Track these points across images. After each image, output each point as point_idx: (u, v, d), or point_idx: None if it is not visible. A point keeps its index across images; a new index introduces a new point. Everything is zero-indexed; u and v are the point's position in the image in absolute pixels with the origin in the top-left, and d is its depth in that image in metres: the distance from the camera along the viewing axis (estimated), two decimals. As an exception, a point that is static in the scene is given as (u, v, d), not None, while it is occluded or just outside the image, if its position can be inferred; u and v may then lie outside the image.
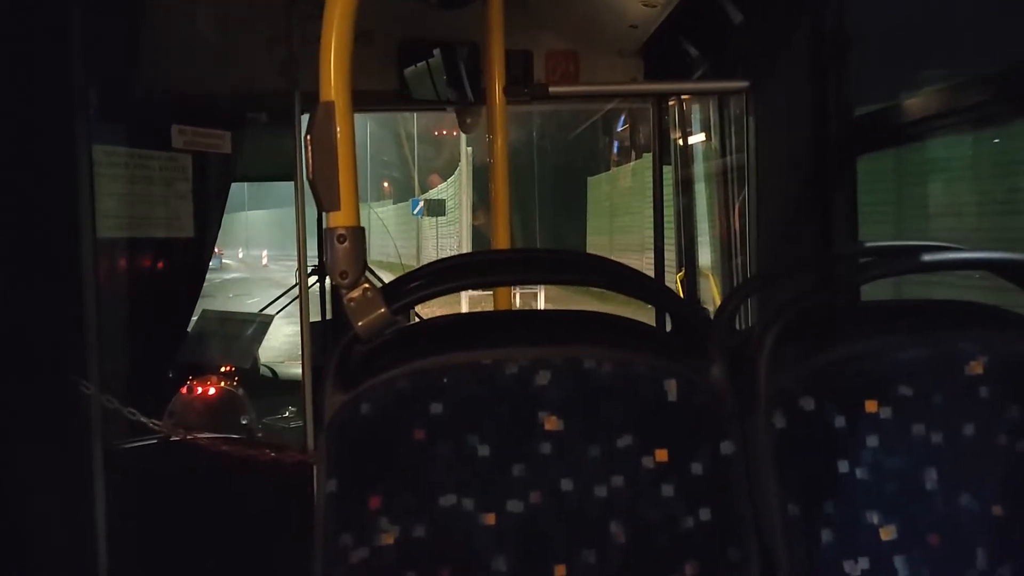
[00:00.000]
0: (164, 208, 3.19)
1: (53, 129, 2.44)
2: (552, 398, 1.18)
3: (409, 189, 27.48)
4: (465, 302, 11.32)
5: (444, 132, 23.42)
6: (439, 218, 21.96)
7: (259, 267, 28.57)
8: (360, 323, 1.20)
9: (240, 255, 33.25)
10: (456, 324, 1.38)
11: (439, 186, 23.39)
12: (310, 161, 1.27)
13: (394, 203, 28.71)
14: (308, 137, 1.26)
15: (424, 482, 1.17)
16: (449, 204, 20.79)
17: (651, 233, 3.69)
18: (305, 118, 3.04)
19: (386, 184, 30.30)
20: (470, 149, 17.50)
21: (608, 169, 18.47)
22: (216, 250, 4.44)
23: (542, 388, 1.18)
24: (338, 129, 1.25)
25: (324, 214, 1.29)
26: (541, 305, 11.70)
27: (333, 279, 1.26)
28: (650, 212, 3.58)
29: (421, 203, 22.17)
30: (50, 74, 2.39)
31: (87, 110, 2.57)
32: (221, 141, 3.31)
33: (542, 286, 12.63)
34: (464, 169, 18.05)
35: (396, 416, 1.17)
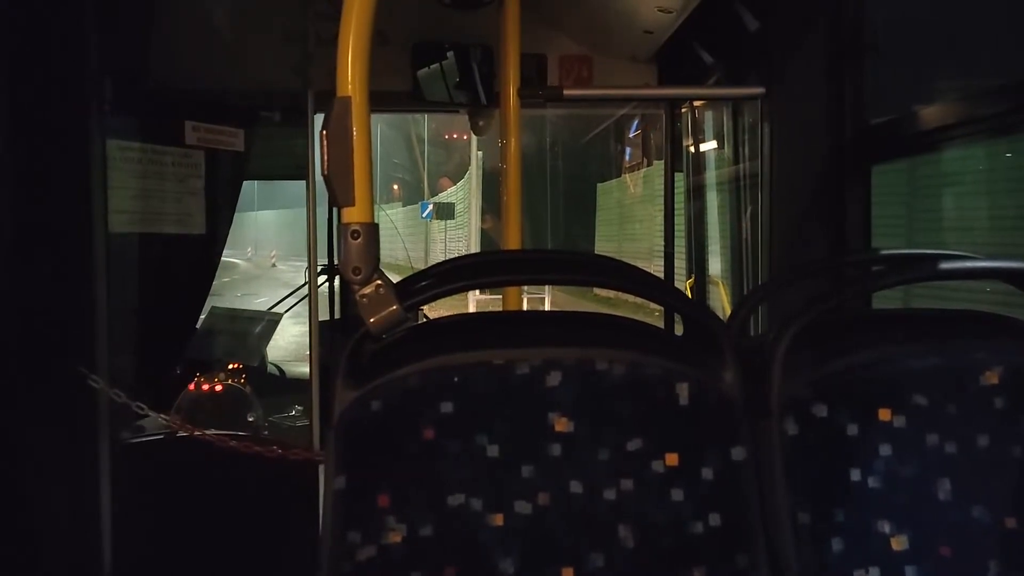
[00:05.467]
0: (176, 204, 3.20)
1: (67, 123, 2.45)
2: (563, 399, 1.18)
3: (418, 192, 27.50)
4: (472, 305, 11.31)
5: (455, 136, 23.46)
6: (447, 222, 22.00)
7: (267, 267, 28.64)
8: (372, 319, 1.20)
9: (249, 254, 33.33)
10: (468, 323, 1.38)
11: (448, 190, 23.42)
12: (325, 157, 1.26)
13: (403, 205, 28.75)
14: (324, 132, 1.26)
15: (433, 481, 1.16)
16: (458, 208, 20.82)
17: (661, 240, 3.69)
18: (318, 118, 3.05)
19: (396, 187, 30.34)
20: (480, 153, 17.53)
21: (619, 175, 18.47)
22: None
23: (553, 389, 1.17)
24: (354, 125, 1.25)
25: (337, 211, 1.29)
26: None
27: (345, 275, 1.25)
28: (660, 219, 3.59)
29: (430, 206, 22.19)
30: (64, 69, 2.40)
31: (101, 105, 2.58)
32: (235, 138, 3.31)
33: (548, 292, 12.64)
34: (474, 173, 18.08)
35: (406, 414, 1.17)
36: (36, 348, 2.30)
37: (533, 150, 17.41)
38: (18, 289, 2.27)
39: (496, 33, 2.63)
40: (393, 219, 23.94)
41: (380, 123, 22.30)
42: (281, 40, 3.07)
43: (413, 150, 27.62)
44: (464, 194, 20.50)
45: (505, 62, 2.58)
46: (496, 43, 2.76)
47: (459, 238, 21.28)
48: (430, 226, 24.11)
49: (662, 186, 3.80)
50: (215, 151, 3.29)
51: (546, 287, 14.35)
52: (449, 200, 22.02)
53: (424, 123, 24.96)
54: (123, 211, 3.04)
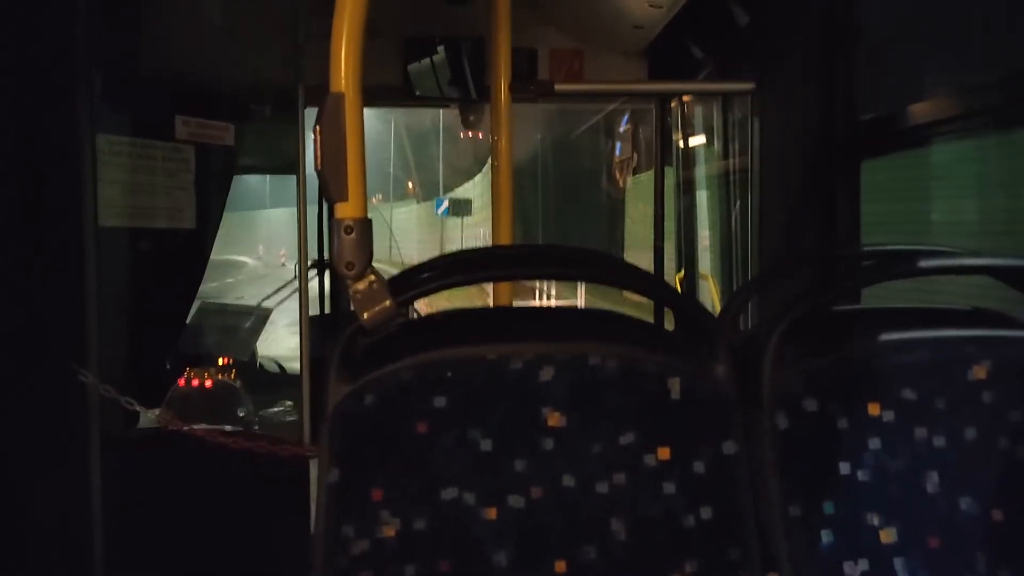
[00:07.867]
0: (166, 199, 3.16)
1: (57, 117, 2.44)
2: (555, 394, 1.18)
3: (433, 187, 27.00)
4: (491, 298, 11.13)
5: (471, 133, 23.10)
6: (464, 218, 21.25)
7: (277, 266, 28.53)
8: (365, 315, 1.20)
9: (260, 252, 33.11)
10: (461, 318, 1.38)
11: (465, 185, 22.85)
12: (319, 152, 1.26)
13: (418, 202, 28.31)
14: (317, 128, 1.26)
15: (426, 475, 1.16)
16: (476, 204, 20.25)
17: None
18: (309, 112, 3.04)
19: (410, 184, 30.02)
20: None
21: (609, 171, 18.26)
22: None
23: (546, 384, 1.18)
24: (347, 120, 1.25)
25: (330, 206, 1.29)
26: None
27: (339, 270, 1.24)
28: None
29: (446, 202, 21.49)
30: (54, 62, 2.39)
31: (91, 98, 2.57)
32: (225, 133, 3.29)
33: (581, 299, 12.56)
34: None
35: (399, 408, 1.17)
36: (26, 342, 2.30)
37: (527, 155, 17.24)
38: (8, 283, 2.27)
39: (487, 27, 2.62)
40: (407, 217, 23.13)
41: (393, 119, 21.68)
42: (272, 34, 3.05)
43: (412, 147, 27.36)
44: (483, 189, 20.12)
45: (496, 56, 2.57)
46: (487, 37, 2.75)
47: (478, 236, 20.72)
48: (445, 223, 23.48)
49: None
50: (205, 146, 3.26)
51: (579, 294, 14.30)
52: (467, 196, 21.44)
53: (440, 118, 24.56)
54: (113, 205, 3.02)
